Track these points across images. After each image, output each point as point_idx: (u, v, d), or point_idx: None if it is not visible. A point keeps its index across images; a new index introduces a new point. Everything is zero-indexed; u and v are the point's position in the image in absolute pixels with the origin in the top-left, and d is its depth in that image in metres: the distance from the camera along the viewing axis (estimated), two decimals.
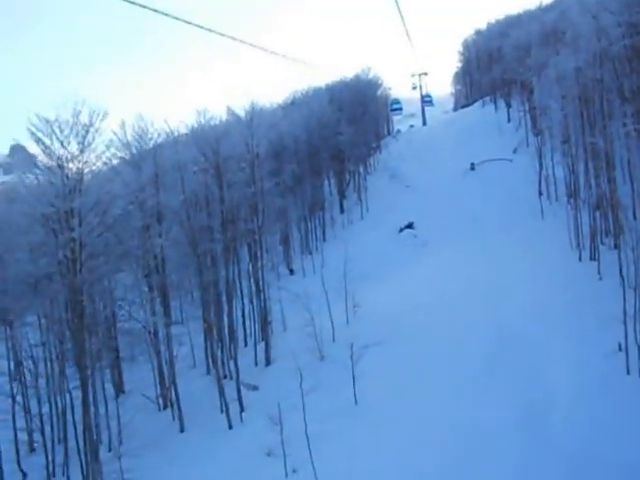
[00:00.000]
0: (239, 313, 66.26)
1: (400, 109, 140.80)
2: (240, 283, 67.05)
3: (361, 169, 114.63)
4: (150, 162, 55.87)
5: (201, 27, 18.75)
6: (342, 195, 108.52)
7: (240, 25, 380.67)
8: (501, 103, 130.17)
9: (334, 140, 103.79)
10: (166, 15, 16.91)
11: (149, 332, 55.19)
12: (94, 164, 45.36)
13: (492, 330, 51.73)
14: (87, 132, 42.44)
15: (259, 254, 65.56)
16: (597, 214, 61.60)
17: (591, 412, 37.09)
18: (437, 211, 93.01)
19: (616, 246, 55.84)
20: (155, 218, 55.09)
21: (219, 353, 58.35)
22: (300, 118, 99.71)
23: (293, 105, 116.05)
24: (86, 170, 44.29)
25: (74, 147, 42.54)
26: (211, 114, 63.30)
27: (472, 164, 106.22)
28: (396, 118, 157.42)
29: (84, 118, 42.42)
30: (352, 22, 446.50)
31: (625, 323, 40.45)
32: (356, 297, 64.16)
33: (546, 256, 64.18)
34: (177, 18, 17.33)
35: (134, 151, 57.06)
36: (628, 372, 40.02)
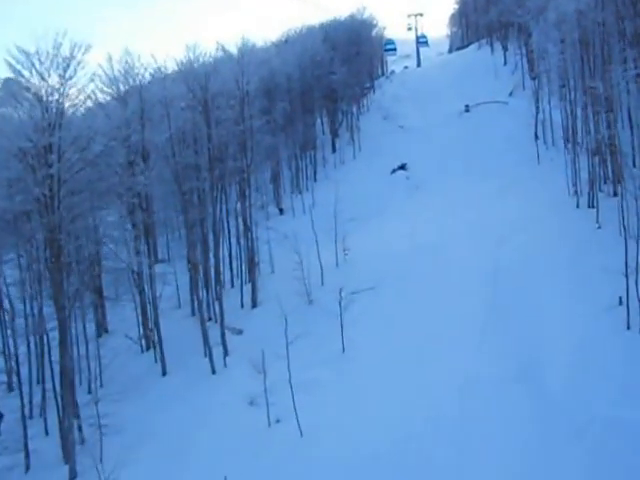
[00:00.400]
0: (226, 253, 64.88)
1: (394, 49, 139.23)
2: (228, 222, 65.59)
3: (354, 109, 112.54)
4: (136, 98, 53.97)
5: None
6: (334, 134, 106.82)
7: None
8: (497, 46, 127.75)
9: (327, 79, 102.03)
10: None
11: (132, 271, 53.37)
12: (76, 98, 43.31)
13: (488, 278, 50.43)
14: (68, 65, 40.22)
15: (247, 193, 63.57)
16: (596, 160, 59.79)
17: (590, 369, 35.78)
18: (431, 153, 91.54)
19: (615, 194, 54.92)
20: (140, 155, 53.28)
21: (204, 294, 57.10)
22: (293, 56, 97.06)
23: (287, 43, 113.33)
24: (67, 104, 42.28)
25: (54, 80, 40.46)
26: (201, 50, 60.81)
27: (467, 106, 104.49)
28: (390, 59, 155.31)
29: (65, 50, 40.34)
30: None
31: (627, 276, 38.73)
32: (346, 239, 62.72)
33: (543, 202, 62.63)
34: None
35: (120, 86, 55.18)
36: (628, 327, 38.48)
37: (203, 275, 58.12)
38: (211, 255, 58.10)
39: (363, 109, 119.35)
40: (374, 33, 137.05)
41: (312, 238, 60.65)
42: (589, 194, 59.05)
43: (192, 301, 58.17)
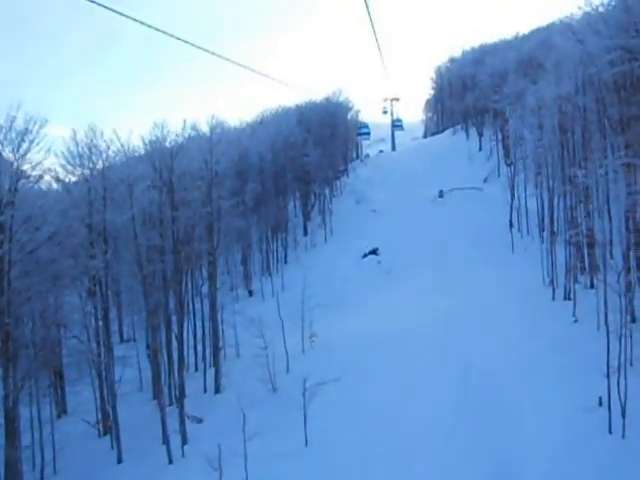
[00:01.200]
0: (192, 335, 63.46)
1: (367, 134, 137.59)
2: (193, 305, 64.62)
3: (327, 192, 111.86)
4: (98, 176, 51.80)
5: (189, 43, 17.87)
6: (306, 217, 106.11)
7: (216, 41, 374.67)
8: (473, 132, 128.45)
9: (300, 161, 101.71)
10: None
11: (91, 354, 51.27)
12: (31, 174, 41.38)
13: (459, 373, 47.64)
14: (22, 139, 38.51)
15: (215, 275, 61.65)
16: (572, 250, 58.29)
17: (569, 477, 33.22)
18: (403, 238, 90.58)
19: (592, 285, 53.59)
20: (101, 235, 50.95)
21: (166, 379, 55.26)
22: (267, 137, 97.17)
23: (262, 124, 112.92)
24: (22, 181, 40.30)
25: (8, 155, 38.61)
26: (169, 128, 59.15)
27: (441, 191, 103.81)
28: (365, 142, 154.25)
29: (20, 124, 38.85)
30: (327, 45, 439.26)
31: (608, 375, 36.40)
32: (314, 325, 61.21)
33: (517, 293, 61.06)
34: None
35: (84, 163, 52.76)
36: (610, 431, 35.76)
37: (167, 358, 55.65)
38: (174, 338, 55.86)
39: (336, 192, 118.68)
40: (349, 116, 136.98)
41: (280, 322, 59.29)
42: (565, 286, 57.34)
43: (154, 385, 55.88)
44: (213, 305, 61.44)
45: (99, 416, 52.95)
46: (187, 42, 18.35)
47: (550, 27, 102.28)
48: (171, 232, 54.75)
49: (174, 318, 56.07)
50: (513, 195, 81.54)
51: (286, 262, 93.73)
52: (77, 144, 51.67)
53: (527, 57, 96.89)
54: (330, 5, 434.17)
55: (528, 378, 44.14)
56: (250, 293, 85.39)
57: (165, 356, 55.74)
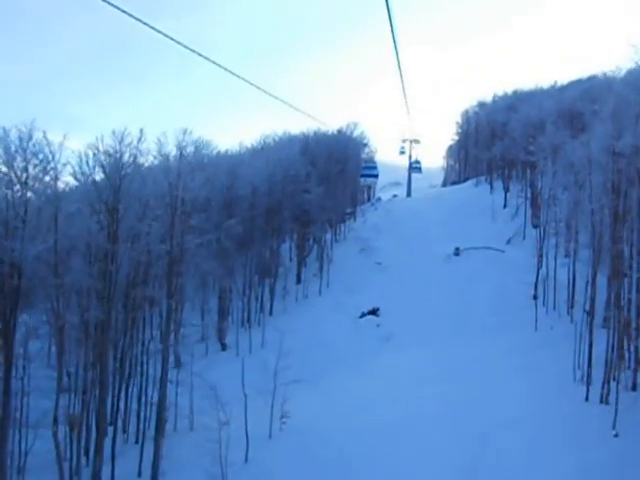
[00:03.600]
0: (139, 399, 53.42)
1: (374, 175, 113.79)
2: (141, 364, 54.35)
3: (329, 236, 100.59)
4: None
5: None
6: (301, 263, 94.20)
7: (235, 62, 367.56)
8: (498, 185, 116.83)
9: (300, 198, 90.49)
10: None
11: None
12: None
13: None
14: None
15: (167, 328, 50.23)
16: (614, 337, 46.54)
17: None
18: (409, 299, 79.47)
19: (634, 387, 43.92)
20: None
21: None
22: (263, 166, 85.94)
23: (263, 150, 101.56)
24: None
25: None
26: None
27: (457, 249, 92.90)
28: (378, 186, 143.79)
29: None
30: (348, 78, 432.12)
31: None
32: (288, 402, 48.76)
33: (540, 387, 48.86)
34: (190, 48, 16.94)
35: None
36: None
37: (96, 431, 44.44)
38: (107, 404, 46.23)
39: (339, 237, 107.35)
40: (365, 154, 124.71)
41: (250, 390, 48.07)
42: (602, 385, 45.05)
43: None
44: (164, 364, 49.57)
45: None
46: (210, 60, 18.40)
47: (591, 79, 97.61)
48: (109, 272, 42.93)
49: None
50: (540, 262, 70.41)
51: (271, 313, 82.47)
52: None
53: (567, 108, 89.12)
54: (352, 38, 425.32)
55: None
56: (223, 347, 74.73)
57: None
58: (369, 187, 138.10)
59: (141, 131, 46.11)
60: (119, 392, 49.28)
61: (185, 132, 51.84)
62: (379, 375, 59.12)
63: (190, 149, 52.86)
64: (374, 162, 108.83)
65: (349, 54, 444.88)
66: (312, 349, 66.06)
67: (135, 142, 45.49)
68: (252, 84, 22.04)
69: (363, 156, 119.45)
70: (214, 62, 18.86)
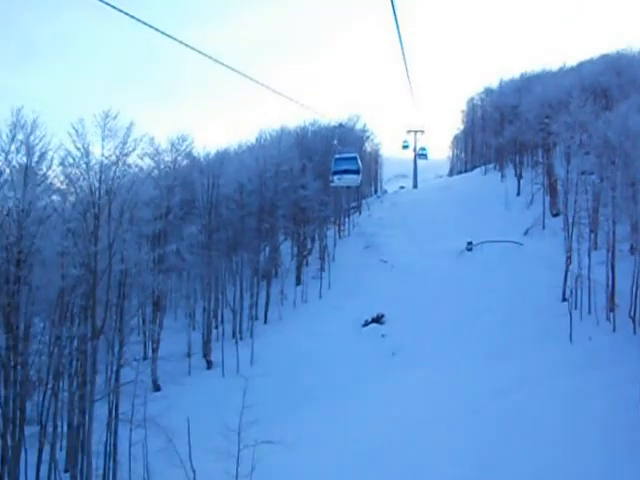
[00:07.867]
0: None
1: (354, 171, 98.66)
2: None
3: (331, 232, 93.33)
4: None
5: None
6: (300, 264, 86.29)
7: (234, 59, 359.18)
8: (509, 172, 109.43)
9: (295, 195, 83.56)
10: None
11: None
12: None
13: None
14: None
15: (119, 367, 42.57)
16: None
17: None
18: (418, 302, 70.68)
19: None
20: None
21: None
22: (252, 162, 79.50)
23: (260, 147, 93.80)
24: None
25: None
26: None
27: (469, 243, 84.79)
28: (385, 177, 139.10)
29: None
30: (349, 70, 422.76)
31: None
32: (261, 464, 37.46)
33: (583, 420, 39.49)
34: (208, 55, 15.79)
35: None
36: None
37: None
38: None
39: (343, 233, 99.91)
40: (368, 148, 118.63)
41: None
42: None
43: None
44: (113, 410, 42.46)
45: None
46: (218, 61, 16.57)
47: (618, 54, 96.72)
48: None
49: None
50: (570, 258, 61.32)
51: (266, 322, 74.57)
52: None
53: (590, 84, 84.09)
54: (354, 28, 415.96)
55: None
56: (209, 365, 66.37)
57: None
58: (375, 179, 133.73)
59: None
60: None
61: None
62: (385, 397, 51.10)
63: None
64: (353, 152, 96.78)
65: (351, 46, 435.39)
66: (310, 365, 59.42)
67: None
68: (246, 76, 19.03)
69: (374, 150, 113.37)
70: (212, 58, 16.61)
